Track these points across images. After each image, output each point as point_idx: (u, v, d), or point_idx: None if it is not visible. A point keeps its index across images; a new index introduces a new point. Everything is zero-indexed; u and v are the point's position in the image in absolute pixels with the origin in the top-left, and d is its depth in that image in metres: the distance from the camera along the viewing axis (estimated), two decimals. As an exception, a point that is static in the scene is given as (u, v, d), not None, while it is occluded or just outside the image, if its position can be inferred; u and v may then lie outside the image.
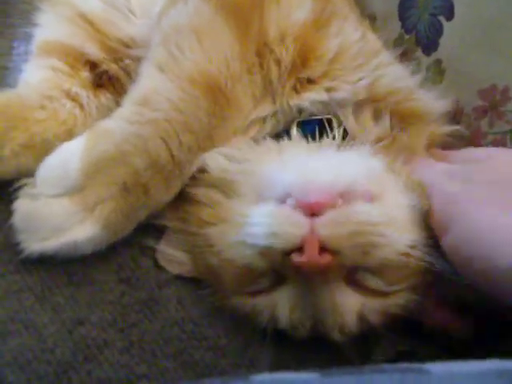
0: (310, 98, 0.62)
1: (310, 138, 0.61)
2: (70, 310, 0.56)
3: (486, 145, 0.69)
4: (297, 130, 0.62)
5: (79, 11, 0.70)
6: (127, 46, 0.68)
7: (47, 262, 0.57)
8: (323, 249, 0.51)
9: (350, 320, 0.55)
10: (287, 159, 0.57)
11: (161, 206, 0.60)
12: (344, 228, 0.51)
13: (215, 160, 0.60)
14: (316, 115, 0.62)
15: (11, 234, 0.55)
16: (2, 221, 0.56)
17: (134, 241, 0.61)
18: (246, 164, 0.59)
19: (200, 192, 0.60)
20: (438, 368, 0.43)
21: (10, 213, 0.55)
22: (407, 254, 0.53)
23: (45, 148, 0.57)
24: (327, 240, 0.51)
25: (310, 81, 0.62)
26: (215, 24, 0.60)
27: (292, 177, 0.54)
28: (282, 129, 0.63)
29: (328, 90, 0.62)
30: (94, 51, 0.69)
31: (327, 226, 0.51)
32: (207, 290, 0.60)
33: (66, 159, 0.55)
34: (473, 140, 0.70)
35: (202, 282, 0.61)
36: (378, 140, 0.61)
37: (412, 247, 0.54)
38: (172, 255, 0.61)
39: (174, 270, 0.62)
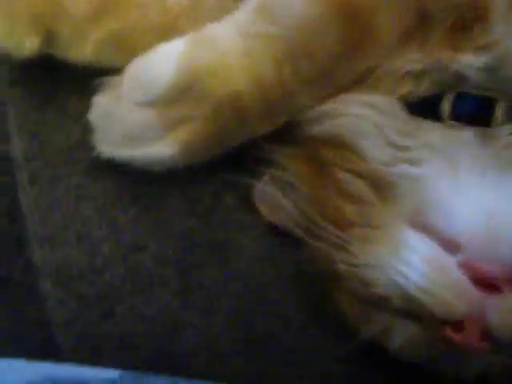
0: (472, 63, 0.48)
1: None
2: (129, 232, 0.50)
3: None
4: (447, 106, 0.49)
5: None
6: None
7: (118, 173, 0.50)
8: (483, 333, 0.42)
9: None
10: (463, 178, 0.45)
11: (253, 137, 0.50)
12: None
13: (379, 150, 0.48)
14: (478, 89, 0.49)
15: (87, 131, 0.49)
16: (80, 115, 0.49)
17: (219, 171, 0.52)
18: (410, 162, 0.47)
19: (353, 183, 0.48)
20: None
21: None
22: None
23: (134, 40, 0.49)
24: (496, 330, 0.42)
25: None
26: None
27: (467, 219, 0.43)
28: (432, 97, 0.50)
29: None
30: None
31: (503, 314, 0.41)
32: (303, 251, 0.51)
33: (160, 64, 0.46)
34: None
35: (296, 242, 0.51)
36: None
37: None
38: (275, 200, 0.51)
39: (270, 215, 0.52)
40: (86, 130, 0.49)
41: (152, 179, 0.50)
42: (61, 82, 0.51)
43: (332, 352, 0.52)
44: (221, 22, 0.48)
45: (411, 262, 0.44)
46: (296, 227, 0.50)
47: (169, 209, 0.51)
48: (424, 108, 0.50)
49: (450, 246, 0.43)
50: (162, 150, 0.47)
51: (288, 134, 0.51)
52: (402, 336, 0.47)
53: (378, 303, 0.47)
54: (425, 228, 0.45)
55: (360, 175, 0.48)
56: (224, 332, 0.51)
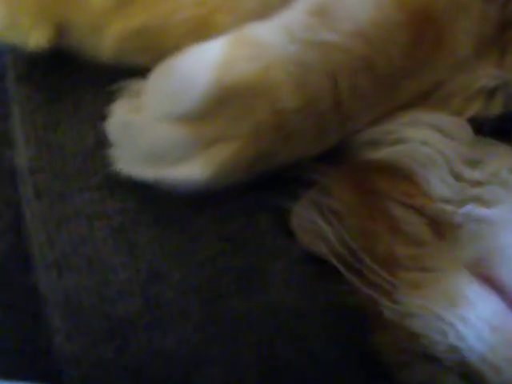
0: None
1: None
2: (149, 257, 0.44)
3: None
4: None
5: None
6: None
7: (137, 187, 0.43)
8: None
9: None
10: None
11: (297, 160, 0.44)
12: None
13: (443, 184, 0.42)
14: None
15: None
16: (96, 119, 0.43)
17: (252, 189, 0.45)
18: (479, 201, 0.42)
19: (410, 220, 0.43)
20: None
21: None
22: None
23: (162, 37, 0.43)
24: None
25: None
26: None
27: None
28: (503, 117, 0.44)
29: None
30: None
31: None
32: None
33: (194, 71, 0.40)
34: None
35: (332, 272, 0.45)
36: None
37: None
38: (315, 227, 0.46)
39: (307, 242, 0.46)
40: (103, 136, 0.43)
41: (177, 195, 0.44)
42: (74, 79, 0.45)
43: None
44: (267, 22, 0.41)
45: (469, 321, 0.38)
46: (336, 259, 0.45)
47: (195, 230, 0.45)
48: (494, 128, 0.45)
49: None
50: (193, 171, 0.41)
51: (335, 152, 0.45)
52: None
53: (424, 356, 0.41)
54: (488, 281, 0.39)
55: (419, 212, 0.42)
56: (249, 369, 0.46)
